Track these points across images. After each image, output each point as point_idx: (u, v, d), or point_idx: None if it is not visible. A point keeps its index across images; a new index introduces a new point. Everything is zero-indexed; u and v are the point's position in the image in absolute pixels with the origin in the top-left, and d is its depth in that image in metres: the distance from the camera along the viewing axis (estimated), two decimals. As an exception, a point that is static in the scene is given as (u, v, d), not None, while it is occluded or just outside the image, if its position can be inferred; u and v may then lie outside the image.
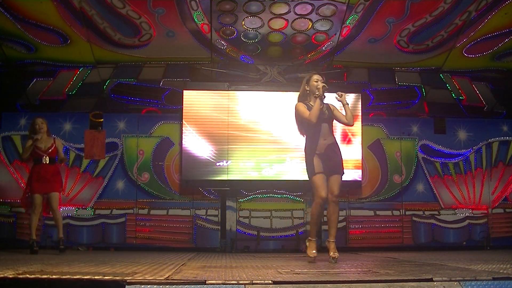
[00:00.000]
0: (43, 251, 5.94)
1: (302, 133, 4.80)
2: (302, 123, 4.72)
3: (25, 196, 6.16)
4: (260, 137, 7.58)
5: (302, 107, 4.68)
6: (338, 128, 7.56)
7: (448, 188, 7.96)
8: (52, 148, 6.17)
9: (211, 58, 7.80)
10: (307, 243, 4.66)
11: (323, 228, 7.63)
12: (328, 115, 4.68)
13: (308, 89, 4.73)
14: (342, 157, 4.74)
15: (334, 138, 4.76)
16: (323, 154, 4.58)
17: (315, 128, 4.61)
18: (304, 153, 4.73)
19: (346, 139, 7.65)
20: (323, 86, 4.58)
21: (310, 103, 4.70)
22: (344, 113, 4.75)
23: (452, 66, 7.92)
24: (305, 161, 4.69)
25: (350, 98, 7.75)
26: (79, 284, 2.73)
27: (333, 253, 4.51)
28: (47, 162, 6.09)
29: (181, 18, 6.89)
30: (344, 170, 4.76)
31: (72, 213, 7.45)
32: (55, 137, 6.45)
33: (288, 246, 7.50)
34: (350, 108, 4.76)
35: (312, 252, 4.57)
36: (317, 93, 4.56)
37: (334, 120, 4.77)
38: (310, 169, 4.60)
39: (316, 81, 4.67)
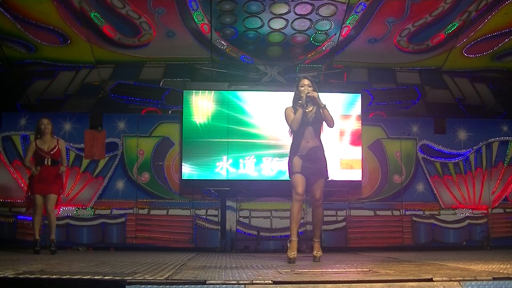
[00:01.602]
0: (44, 251, 5.93)
1: (290, 135, 4.93)
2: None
3: (26, 197, 6.16)
4: (260, 137, 7.58)
5: (289, 111, 4.83)
6: (338, 128, 7.58)
7: (448, 188, 7.97)
8: (55, 149, 6.11)
9: (211, 58, 7.80)
10: (288, 244, 4.62)
11: (328, 228, 7.66)
12: (314, 118, 4.75)
13: (297, 93, 4.84)
14: (327, 161, 4.80)
15: (319, 141, 4.80)
16: (304, 156, 4.69)
17: (299, 131, 4.74)
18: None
19: (346, 139, 7.65)
20: (307, 95, 4.68)
21: (298, 107, 4.78)
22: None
23: (452, 66, 7.92)
24: (288, 160, 4.85)
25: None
26: (79, 284, 2.73)
27: (316, 252, 4.68)
28: (49, 164, 6.05)
29: (181, 18, 6.89)
30: (328, 173, 4.83)
31: (72, 213, 7.45)
32: (59, 138, 6.34)
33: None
34: (328, 110, 4.78)
35: (292, 253, 4.52)
36: (299, 101, 4.71)
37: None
38: (290, 168, 4.77)
39: (303, 86, 4.77)
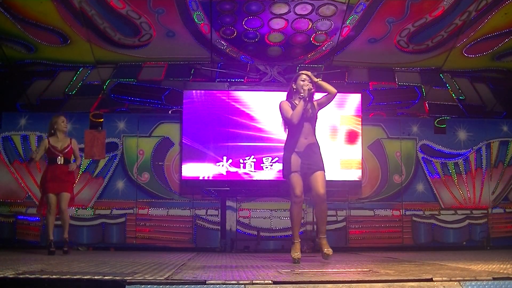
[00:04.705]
0: (44, 251, 5.93)
1: (286, 130, 4.77)
2: (286, 121, 4.70)
3: (43, 198, 5.99)
4: (260, 137, 7.57)
5: (286, 106, 4.65)
6: (338, 128, 7.59)
7: (448, 188, 7.96)
8: (68, 148, 6.02)
9: (211, 58, 7.81)
10: (292, 246, 4.58)
11: (328, 228, 7.65)
12: (311, 114, 4.63)
13: (295, 87, 4.71)
14: (322, 157, 4.65)
15: (315, 138, 4.68)
16: (302, 153, 4.55)
17: (297, 127, 4.58)
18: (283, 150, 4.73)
19: (347, 139, 7.64)
20: (309, 88, 4.56)
21: (295, 101, 4.67)
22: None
23: (452, 66, 7.92)
24: (283, 158, 4.68)
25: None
26: (79, 284, 2.73)
27: (326, 250, 4.50)
28: (62, 163, 5.95)
29: (181, 18, 6.89)
30: (325, 168, 4.64)
31: (72, 213, 7.40)
32: (72, 138, 6.22)
33: (288, 246, 7.40)
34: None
35: (296, 254, 4.49)
36: (301, 94, 4.56)
37: (324, 106, 4.73)
38: (286, 167, 4.59)
39: (303, 81, 4.63)
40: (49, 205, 5.87)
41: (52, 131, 6.07)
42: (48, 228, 5.88)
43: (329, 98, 4.69)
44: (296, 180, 4.52)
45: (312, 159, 4.56)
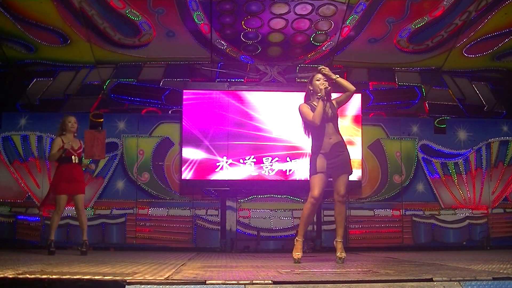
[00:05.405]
0: (44, 251, 5.93)
1: (307, 133, 4.73)
2: (307, 124, 4.65)
3: (49, 197, 5.93)
4: (260, 137, 7.57)
5: (306, 108, 4.58)
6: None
7: (448, 188, 7.97)
8: (80, 150, 6.00)
9: (211, 58, 7.81)
10: (295, 243, 4.56)
11: (328, 228, 7.66)
12: (332, 113, 4.57)
13: (312, 88, 4.65)
14: (350, 156, 4.64)
15: (341, 136, 4.64)
16: (328, 154, 4.49)
17: (320, 128, 4.52)
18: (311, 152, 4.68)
19: (346, 139, 7.62)
20: (326, 87, 4.51)
21: (314, 103, 4.61)
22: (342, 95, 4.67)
23: (452, 66, 7.92)
24: (309, 160, 4.65)
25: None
26: (79, 284, 2.73)
27: (340, 253, 4.50)
28: (77, 162, 5.92)
29: (181, 18, 6.89)
30: (352, 169, 4.65)
31: (72, 213, 7.41)
32: (80, 139, 6.19)
33: (288, 246, 7.46)
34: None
35: (297, 253, 4.49)
36: (319, 94, 4.50)
37: (343, 104, 4.73)
38: (312, 168, 4.54)
39: (318, 80, 4.58)
40: (59, 206, 5.78)
41: (63, 132, 5.99)
42: (52, 228, 5.82)
43: (348, 96, 4.66)
44: (317, 181, 4.47)
45: (339, 158, 4.53)
